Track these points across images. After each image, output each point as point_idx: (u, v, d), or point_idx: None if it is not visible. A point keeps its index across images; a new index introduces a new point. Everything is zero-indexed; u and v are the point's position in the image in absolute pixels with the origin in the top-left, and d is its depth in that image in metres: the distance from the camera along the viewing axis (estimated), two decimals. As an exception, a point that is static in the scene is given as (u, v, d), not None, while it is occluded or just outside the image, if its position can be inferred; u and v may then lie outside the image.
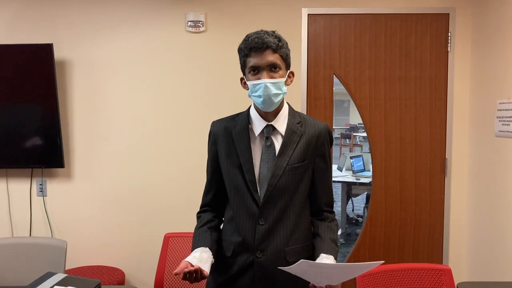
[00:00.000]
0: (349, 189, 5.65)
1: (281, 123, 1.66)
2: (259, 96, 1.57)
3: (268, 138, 1.64)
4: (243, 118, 1.70)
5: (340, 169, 6.03)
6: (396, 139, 3.14)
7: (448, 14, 3.07)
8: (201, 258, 1.55)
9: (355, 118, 11.77)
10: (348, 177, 5.61)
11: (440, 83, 3.10)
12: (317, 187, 1.70)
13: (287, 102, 1.72)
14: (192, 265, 1.48)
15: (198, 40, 3.14)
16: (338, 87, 3.18)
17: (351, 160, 5.80)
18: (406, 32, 3.09)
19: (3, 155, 3.13)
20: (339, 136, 11.06)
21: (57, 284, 1.83)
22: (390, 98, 3.12)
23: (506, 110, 2.60)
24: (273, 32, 1.61)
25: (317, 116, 3.12)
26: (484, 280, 2.84)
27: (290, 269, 1.42)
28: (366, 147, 9.87)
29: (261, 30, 1.60)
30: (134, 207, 3.21)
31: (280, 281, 1.59)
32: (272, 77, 1.57)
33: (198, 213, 1.79)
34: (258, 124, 1.66)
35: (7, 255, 2.33)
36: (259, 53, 1.55)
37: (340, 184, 5.57)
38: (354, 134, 11.21)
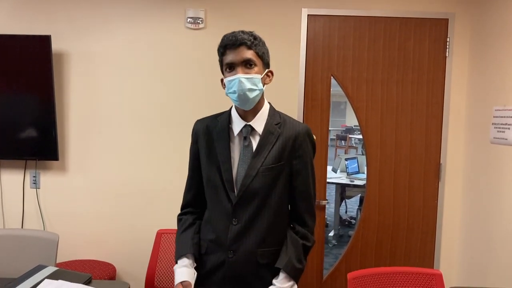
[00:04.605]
0: (343, 191, 5.65)
1: (259, 123, 1.66)
2: (234, 92, 1.58)
3: (246, 138, 1.65)
4: (225, 118, 1.71)
5: (334, 170, 6.03)
6: (391, 142, 3.15)
7: (447, 19, 3.07)
8: (190, 283, 1.59)
9: (352, 120, 11.78)
10: (343, 179, 5.62)
11: (437, 88, 3.11)
12: (295, 190, 1.68)
13: (269, 102, 1.73)
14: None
15: (197, 37, 3.13)
16: (335, 88, 3.18)
17: (346, 162, 5.80)
18: (405, 36, 3.10)
19: (-3, 146, 3.11)
20: (335, 137, 11.06)
21: (48, 277, 1.83)
22: (387, 101, 3.13)
23: (502, 117, 2.61)
24: (251, 32, 1.64)
25: (313, 117, 3.12)
26: (475, 285, 2.85)
27: None
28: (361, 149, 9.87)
29: (239, 30, 1.63)
30: (127, 202, 3.20)
31: (250, 282, 1.59)
32: (247, 73, 1.58)
33: (179, 215, 1.80)
34: (237, 124, 1.67)
35: (-2, 246, 2.32)
36: (233, 49, 1.58)
37: (334, 186, 5.58)
38: (350, 136, 11.22)
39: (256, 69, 1.60)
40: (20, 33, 3.06)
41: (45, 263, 2.05)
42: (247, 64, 1.58)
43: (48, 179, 3.22)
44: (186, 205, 1.80)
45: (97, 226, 3.22)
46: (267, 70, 1.66)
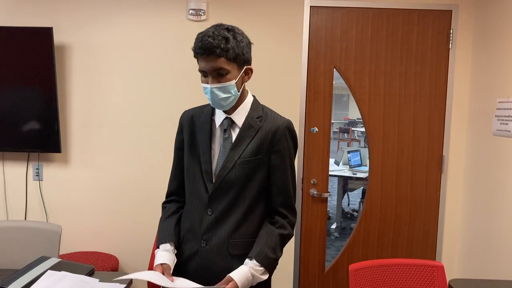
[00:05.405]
0: (346, 183, 5.66)
1: (240, 116, 1.66)
2: (209, 99, 1.59)
3: (226, 131, 1.65)
4: (209, 109, 1.72)
5: (337, 163, 6.03)
6: (394, 134, 3.14)
7: (451, 11, 3.05)
8: (170, 266, 1.60)
9: (354, 112, 11.75)
10: (345, 172, 5.62)
11: (440, 80, 3.10)
12: (272, 185, 1.67)
13: (253, 95, 1.72)
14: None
15: (199, 29, 3.05)
16: (338, 81, 3.17)
17: (349, 155, 5.80)
18: (408, 28, 3.08)
19: (0, 138, 3.12)
20: (337, 130, 11.05)
21: (51, 268, 1.84)
22: (389, 94, 3.12)
23: (505, 109, 2.60)
24: (225, 30, 1.56)
25: (316, 110, 3.11)
26: (476, 277, 2.85)
27: None
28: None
29: (212, 30, 1.56)
30: (129, 194, 3.21)
31: (221, 273, 1.58)
32: (219, 82, 1.55)
33: (164, 203, 1.84)
34: (219, 116, 1.68)
35: (1, 238, 2.33)
36: (204, 57, 1.55)
37: (336, 178, 5.58)
38: (353, 128, 11.20)
39: (228, 76, 1.55)
40: (21, 25, 3.06)
41: (48, 255, 2.06)
42: (219, 72, 1.55)
43: (51, 171, 3.22)
44: (170, 194, 1.83)
45: (100, 218, 3.23)
46: (245, 67, 1.61)
